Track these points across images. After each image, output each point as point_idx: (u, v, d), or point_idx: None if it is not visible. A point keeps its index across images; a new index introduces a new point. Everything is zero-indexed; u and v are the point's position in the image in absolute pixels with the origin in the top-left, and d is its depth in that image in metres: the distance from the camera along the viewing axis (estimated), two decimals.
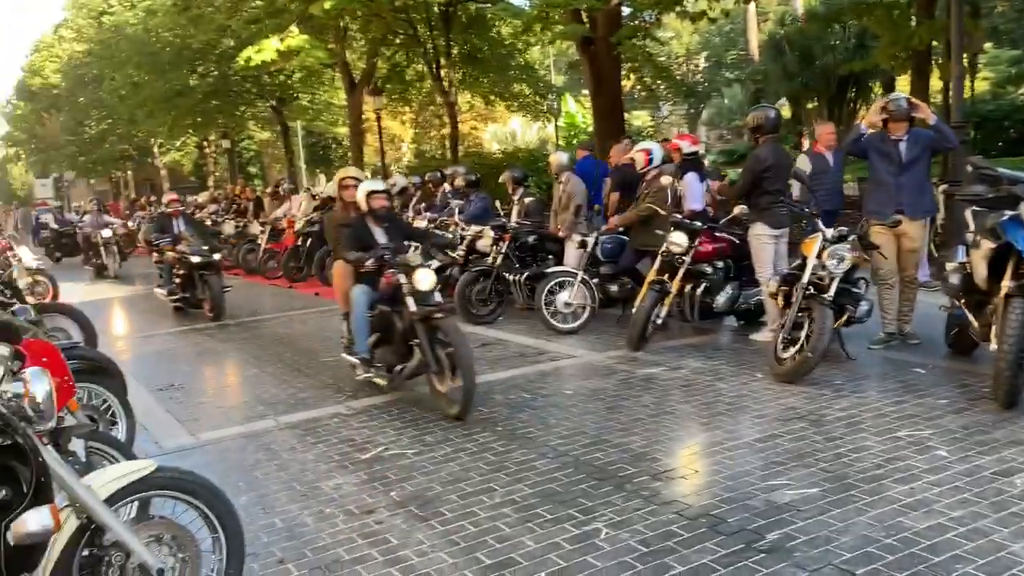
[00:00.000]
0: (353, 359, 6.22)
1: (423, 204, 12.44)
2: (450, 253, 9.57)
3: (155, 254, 11.78)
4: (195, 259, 10.16)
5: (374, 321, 6.03)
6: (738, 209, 6.94)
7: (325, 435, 5.27)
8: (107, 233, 17.79)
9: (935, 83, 17.24)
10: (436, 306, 5.47)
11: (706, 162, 10.56)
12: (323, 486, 4.38)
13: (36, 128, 49.90)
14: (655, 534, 3.51)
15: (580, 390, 5.94)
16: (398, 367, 5.83)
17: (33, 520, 1.74)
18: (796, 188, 7.73)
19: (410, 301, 5.51)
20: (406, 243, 6.42)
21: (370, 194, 6.21)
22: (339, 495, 4.24)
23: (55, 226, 23.75)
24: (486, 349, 7.55)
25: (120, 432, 4.55)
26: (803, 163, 8.43)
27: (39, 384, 2.65)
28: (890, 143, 6.36)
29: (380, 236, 6.17)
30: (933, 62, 15.62)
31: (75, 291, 13.52)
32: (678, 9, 14.07)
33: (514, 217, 9.70)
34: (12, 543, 1.75)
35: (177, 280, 10.66)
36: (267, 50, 18.37)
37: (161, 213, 12.22)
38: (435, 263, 8.61)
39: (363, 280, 6.10)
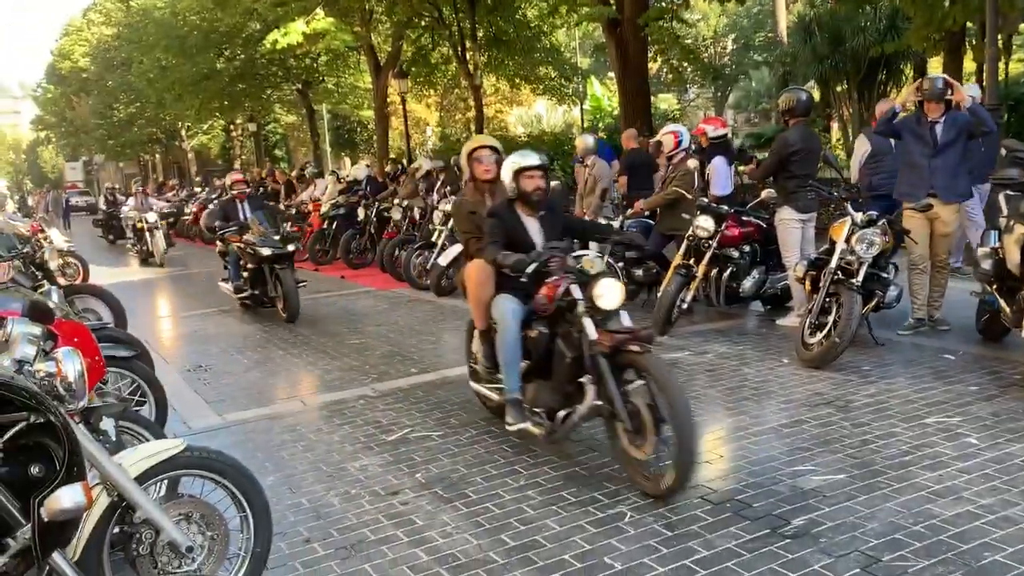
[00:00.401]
0: (491, 394, 4.74)
1: (448, 187, 12.44)
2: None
3: (219, 244, 10.21)
4: (265, 251, 8.81)
5: (526, 346, 4.43)
6: (765, 193, 6.88)
7: (351, 417, 5.31)
8: (152, 217, 16.52)
9: (968, 65, 16.93)
10: (629, 333, 3.92)
11: (736, 143, 10.43)
12: (349, 467, 4.41)
13: (66, 112, 50.51)
14: (679, 518, 3.50)
15: None
16: (561, 413, 4.16)
17: (66, 497, 1.77)
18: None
19: (588, 324, 3.95)
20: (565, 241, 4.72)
21: (520, 172, 4.57)
22: (365, 476, 4.27)
23: (104, 207, 23.07)
24: None
25: (149, 413, 4.61)
26: (862, 144, 8.04)
27: (71, 364, 2.69)
28: (925, 125, 6.23)
29: (534, 231, 4.61)
30: (967, 43, 15.33)
31: (110, 274, 13.69)
32: None
33: None
34: (46, 519, 1.77)
35: (245, 274, 9.36)
36: (293, 33, 18.42)
37: (225, 197, 11.08)
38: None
39: (510, 288, 4.51)
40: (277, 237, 8.98)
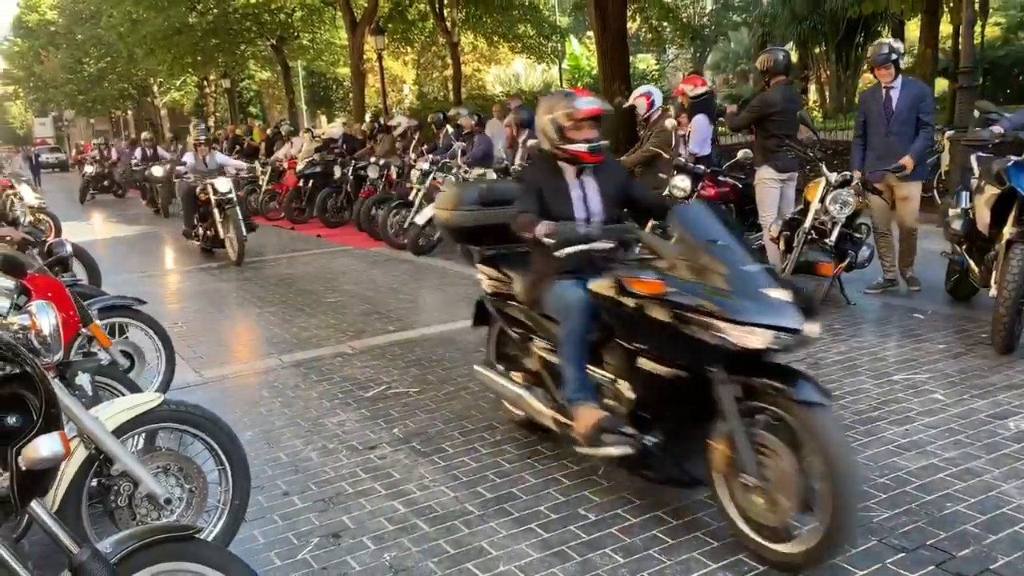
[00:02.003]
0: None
1: (425, 146, 12.36)
2: None
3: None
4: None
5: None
6: (741, 154, 6.91)
7: (328, 374, 5.33)
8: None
9: (945, 28, 16.97)
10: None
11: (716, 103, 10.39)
12: (326, 422, 4.44)
13: (34, 66, 49.35)
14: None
15: None
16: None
17: (44, 445, 1.77)
18: None
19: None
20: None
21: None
22: (342, 431, 4.30)
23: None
24: None
25: (159, 365, 4.74)
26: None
27: (44, 317, 2.68)
28: (880, 92, 6.22)
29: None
30: (944, 6, 15.36)
31: (81, 230, 13.52)
32: None
33: (517, 160, 9.64)
34: (23, 468, 1.78)
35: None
36: None
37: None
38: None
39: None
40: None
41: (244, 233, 9.90)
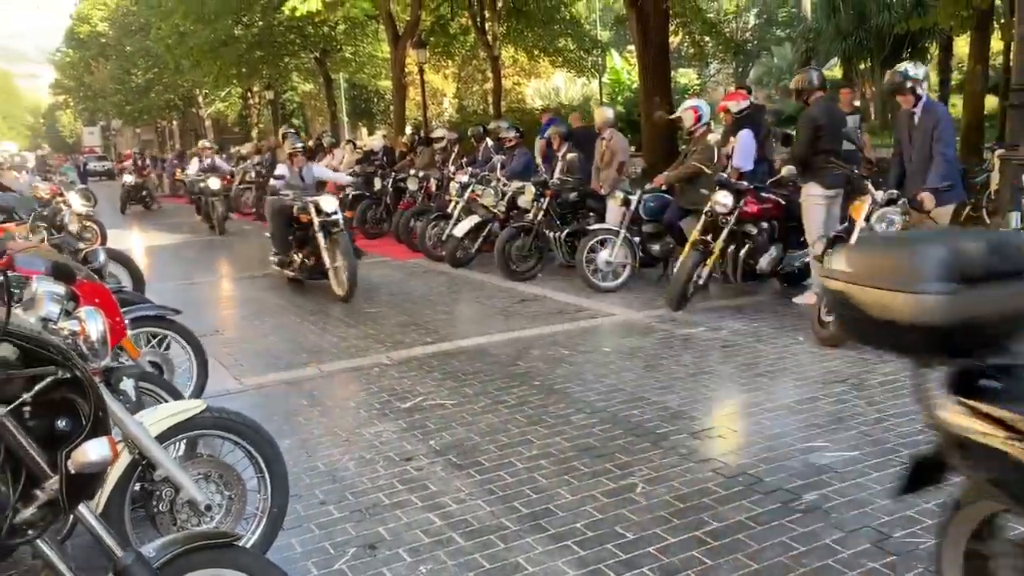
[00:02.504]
0: None
1: (464, 159, 12.42)
2: (489, 207, 9.43)
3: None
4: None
5: None
6: (786, 170, 6.81)
7: (366, 384, 5.35)
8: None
9: (996, 44, 16.69)
10: None
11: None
12: (364, 432, 4.46)
13: (84, 76, 50.59)
14: (691, 491, 3.53)
15: (619, 348, 5.95)
16: None
17: (92, 449, 1.80)
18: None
19: None
20: None
21: None
22: (379, 442, 4.31)
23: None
24: (524, 305, 7.58)
25: (191, 374, 4.72)
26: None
27: (93, 323, 2.72)
28: (906, 116, 6.11)
29: None
30: (995, 21, 15.10)
31: (126, 238, 13.78)
32: None
33: (556, 173, 9.64)
34: (72, 471, 1.81)
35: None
36: (312, 0, 18.34)
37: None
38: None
39: None
40: None
41: (355, 260, 8.24)
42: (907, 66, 6.14)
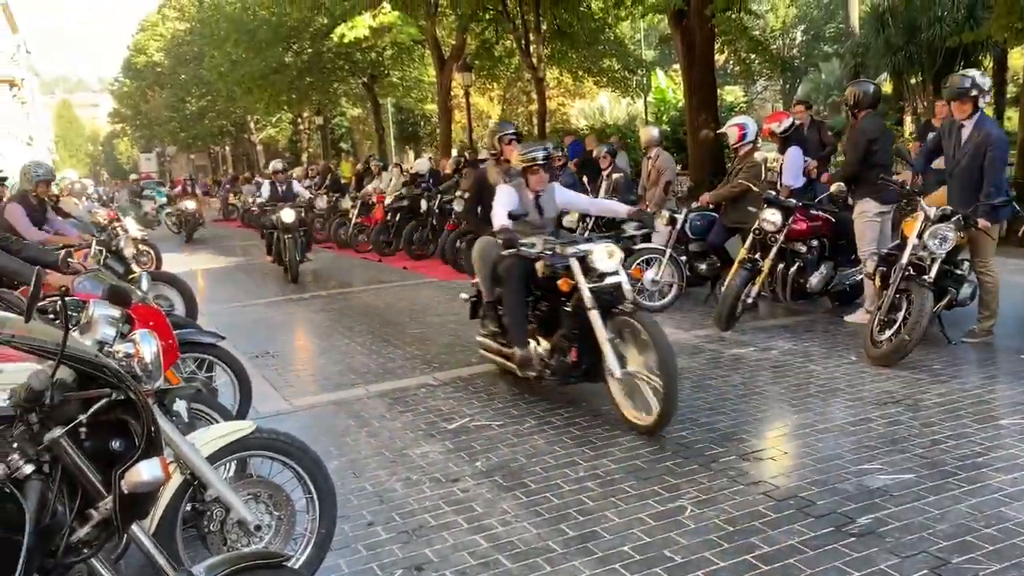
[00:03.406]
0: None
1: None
2: None
3: None
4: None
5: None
6: (835, 187, 6.72)
7: (413, 404, 5.38)
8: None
9: None
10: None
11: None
12: (411, 453, 4.48)
13: (141, 104, 52.07)
14: (741, 514, 3.47)
15: None
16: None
17: (146, 470, 1.84)
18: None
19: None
20: None
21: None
22: (426, 463, 4.33)
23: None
24: None
25: (233, 398, 4.73)
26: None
27: (147, 346, 2.79)
28: (955, 128, 5.92)
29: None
30: None
31: (179, 261, 14.10)
32: None
33: (603, 193, 9.64)
34: (126, 491, 1.85)
35: None
36: (360, 27, 18.71)
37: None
38: None
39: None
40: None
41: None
42: (976, 73, 5.99)
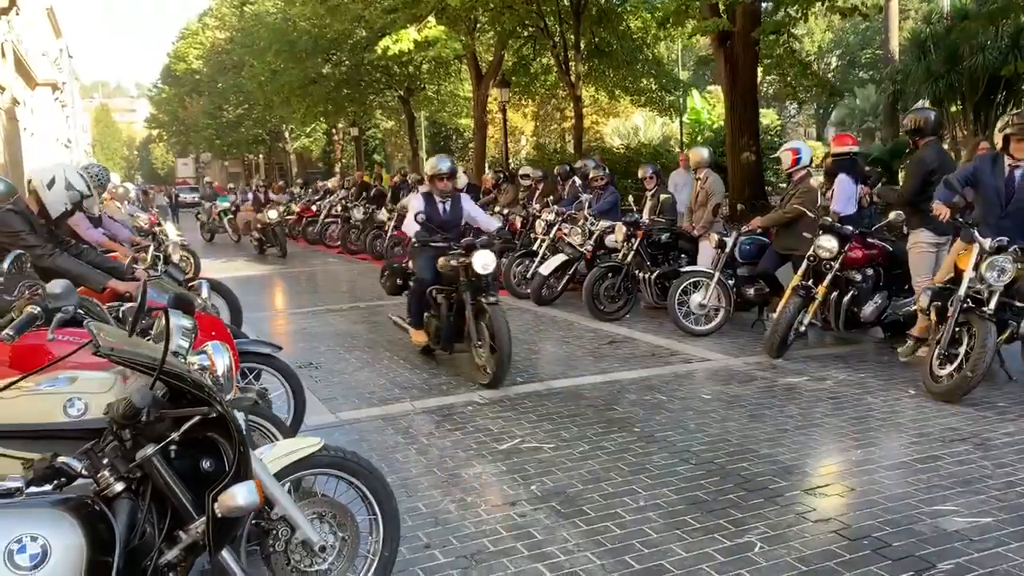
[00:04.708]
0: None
1: (550, 197, 12.39)
2: (576, 246, 9.58)
3: None
4: None
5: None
6: (893, 215, 6.57)
7: (461, 423, 5.29)
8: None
9: None
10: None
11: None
12: (463, 474, 4.39)
13: (178, 111, 52.73)
14: (814, 552, 3.34)
15: (718, 395, 5.76)
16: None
17: (240, 494, 1.77)
18: None
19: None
20: None
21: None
22: (479, 484, 4.24)
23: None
24: (614, 346, 7.46)
25: (288, 409, 4.70)
26: None
27: (220, 358, 2.74)
28: (1001, 170, 5.61)
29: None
30: None
31: (216, 268, 14.15)
32: (827, 3, 13.48)
33: (647, 213, 9.54)
34: (219, 515, 1.78)
35: None
36: (404, 40, 18.78)
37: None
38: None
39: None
40: None
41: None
42: None
